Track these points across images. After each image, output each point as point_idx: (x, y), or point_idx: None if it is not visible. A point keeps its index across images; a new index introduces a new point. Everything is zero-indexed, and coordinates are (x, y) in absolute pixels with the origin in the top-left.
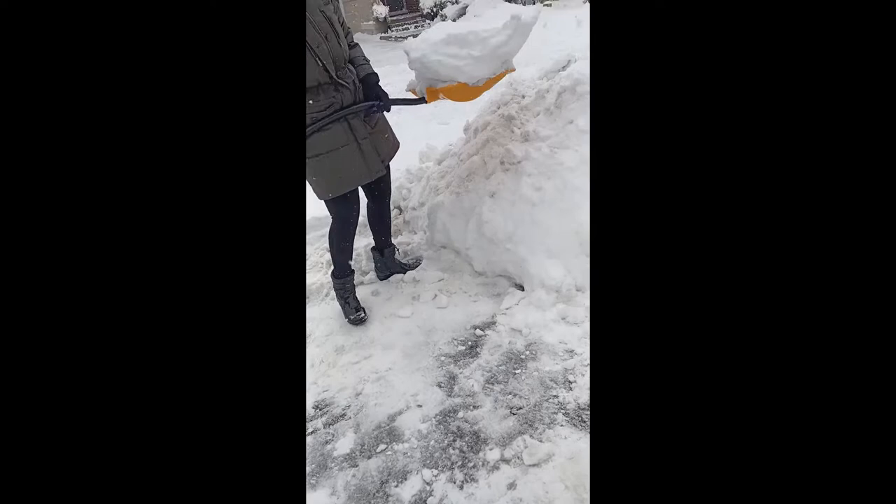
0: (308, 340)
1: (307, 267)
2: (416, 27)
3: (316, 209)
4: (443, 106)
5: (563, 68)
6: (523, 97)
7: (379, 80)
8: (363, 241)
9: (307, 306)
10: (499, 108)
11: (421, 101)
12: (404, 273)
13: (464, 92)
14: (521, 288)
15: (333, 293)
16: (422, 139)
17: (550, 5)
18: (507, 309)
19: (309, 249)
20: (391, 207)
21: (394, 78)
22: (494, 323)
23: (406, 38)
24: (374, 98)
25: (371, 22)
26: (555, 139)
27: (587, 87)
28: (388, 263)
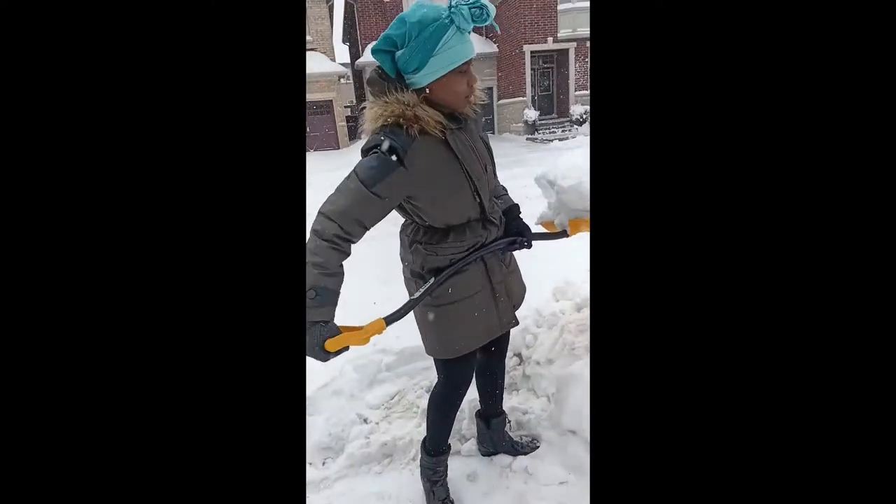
0: None
1: (394, 409)
2: (562, 131)
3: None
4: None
5: None
6: None
7: (521, 213)
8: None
9: (385, 468)
10: None
11: (563, 234)
12: (514, 456)
13: None
14: None
15: (419, 462)
16: (559, 272)
17: None
18: None
19: (406, 383)
20: (510, 354)
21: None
22: None
23: (552, 140)
24: (515, 233)
25: (520, 124)
26: None
27: None
28: (495, 438)
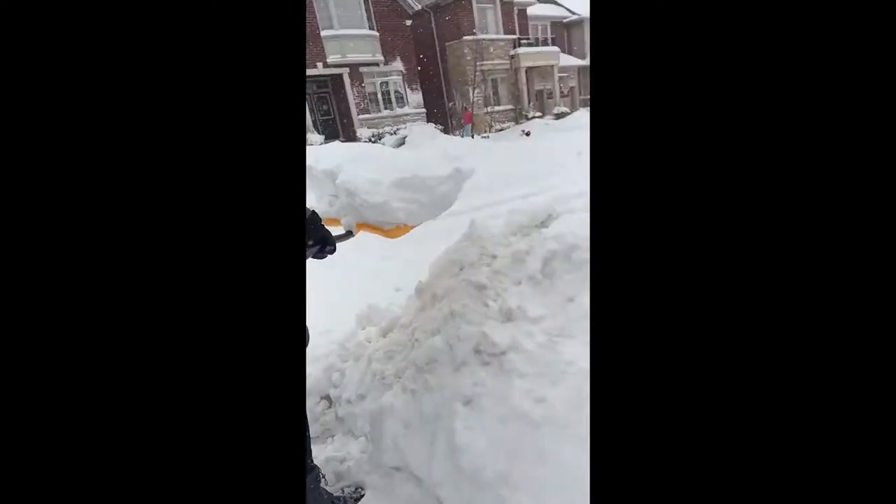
0: None
1: None
2: None
3: None
4: (382, 254)
5: (543, 223)
6: (494, 258)
7: (321, 220)
8: None
9: None
10: (462, 269)
11: (349, 234)
12: None
13: (397, 230)
14: None
15: None
16: (359, 296)
17: (489, 137)
18: None
19: None
20: (316, 398)
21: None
22: None
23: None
24: (320, 240)
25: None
26: (552, 322)
27: (587, 256)
28: (311, 500)
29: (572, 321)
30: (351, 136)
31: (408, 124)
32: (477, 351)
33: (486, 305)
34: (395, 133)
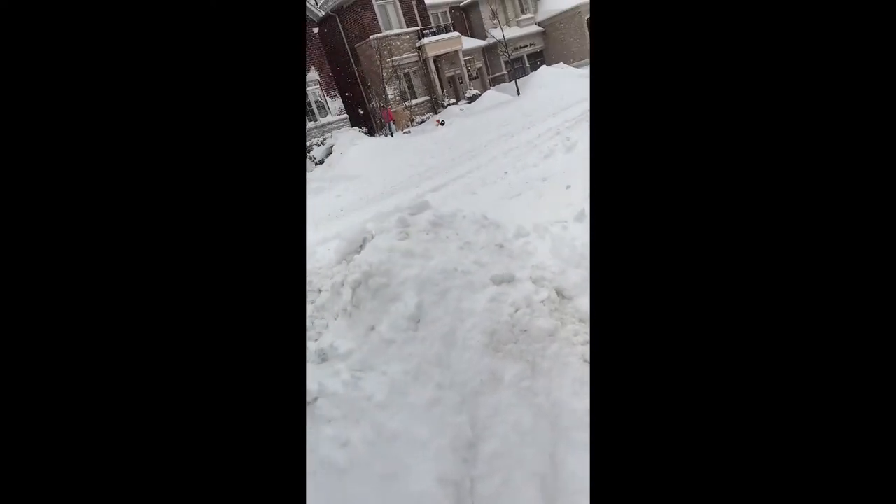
0: None
1: None
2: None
3: None
4: None
5: (361, 247)
6: (319, 292)
7: None
8: None
9: None
10: None
11: None
12: None
13: None
14: None
15: None
16: None
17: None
18: None
19: None
20: None
21: None
22: None
23: None
24: None
25: None
26: (357, 356)
27: (384, 280)
28: None
29: (373, 351)
30: None
31: (333, 132)
32: None
33: (307, 348)
34: (322, 143)
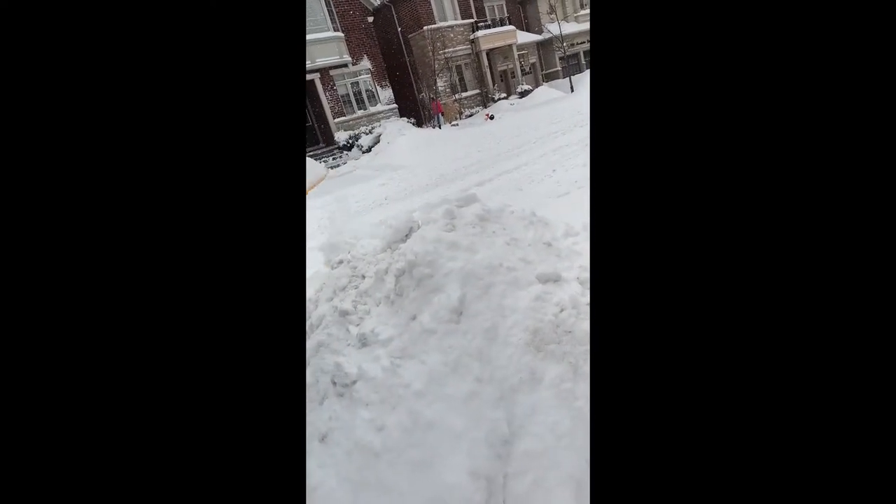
0: None
1: None
2: (333, 159)
3: None
4: None
5: (407, 236)
6: (363, 278)
7: None
8: None
9: None
10: (334, 295)
11: None
12: None
13: None
14: None
15: None
16: None
17: (458, 125)
18: None
19: None
20: None
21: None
22: None
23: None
24: None
25: None
26: (397, 344)
27: (428, 270)
28: None
29: (413, 340)
30: (329, 140)
31: (381, 122)
32: (333, 382)
33: (348, 331)
34: (370, 132)
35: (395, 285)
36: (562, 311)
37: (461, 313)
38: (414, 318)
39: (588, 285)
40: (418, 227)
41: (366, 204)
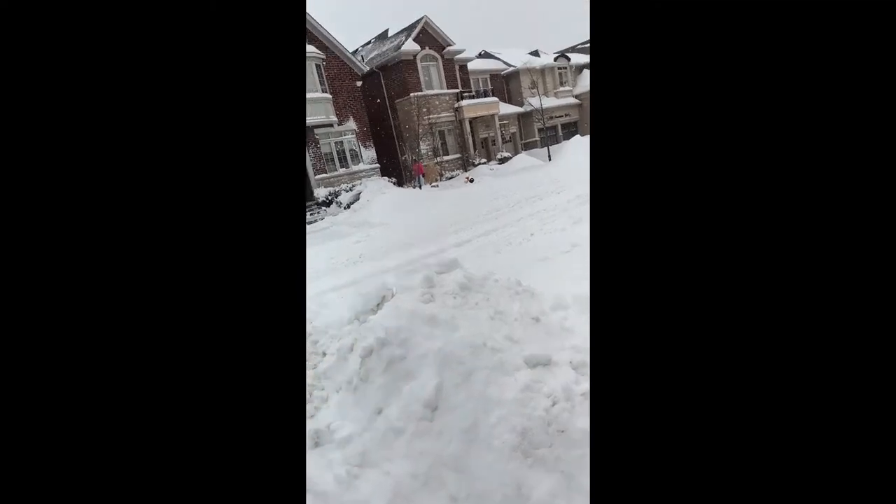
0: None
1: None
2: (311, 214)
3: None
4: None
5: (378, 306)
6: (324, 356)
7: None
8: None
9: None
10: None
11: None
12: None
13: None
14: None
15: None
16: None
17: (438, 186)
18: None
19: None
20: None
21: None
22: None
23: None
24: None
25: None
26: (357, 445)
27: (401, 351)
28: None
29: (377, 441)
30: (309, 196)
31: (363, 180)
32: None
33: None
34: (350, 189)
35: (360, 367)
36: (554, 404)
37: (436, 408)
38: (380, 412)
39: (582, 371)
40: (392, 296)
41: (340, 261)
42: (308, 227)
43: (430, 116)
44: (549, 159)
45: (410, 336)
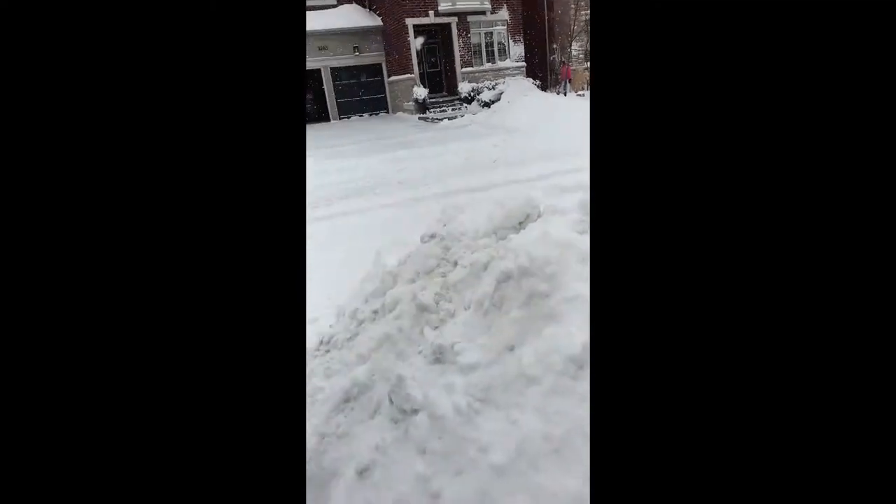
0: None
1: None
2: (452, 109)
3: None
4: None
5: (521, 224)
6: (455, 265)
7: None
8: None
9: None
10: (417, 277)
11: None
12: None
13: None
14: None
15: None
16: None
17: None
18: None
19: None
20: None
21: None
22: None
23: (442, 119)
24: None
25: (411, 103)
26: (482, 377)
27: (545, 287)
28: None
29: (505, 381)
30: (452, 90)
31: (506, 79)
32: (390, 399)
33: (422, 333)
34: (493, 88)
35: (495, 292)
36: None
37: (581, 366)
38: (511, 349)
39: None
40: (538, 217)
41: (474, 161)
42: (448, 122)
43: (588, 12)
44: None
45: (559, 272)
